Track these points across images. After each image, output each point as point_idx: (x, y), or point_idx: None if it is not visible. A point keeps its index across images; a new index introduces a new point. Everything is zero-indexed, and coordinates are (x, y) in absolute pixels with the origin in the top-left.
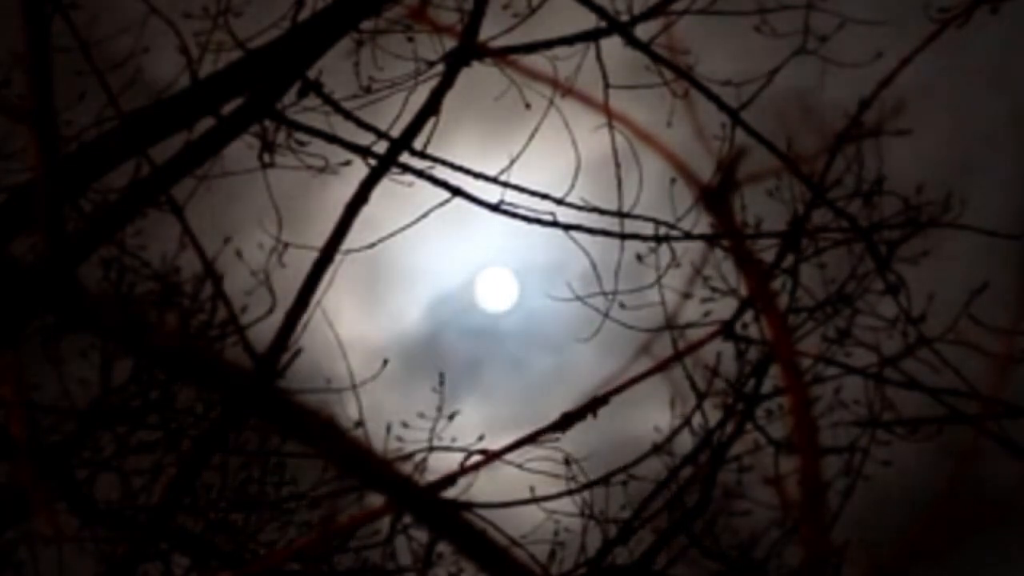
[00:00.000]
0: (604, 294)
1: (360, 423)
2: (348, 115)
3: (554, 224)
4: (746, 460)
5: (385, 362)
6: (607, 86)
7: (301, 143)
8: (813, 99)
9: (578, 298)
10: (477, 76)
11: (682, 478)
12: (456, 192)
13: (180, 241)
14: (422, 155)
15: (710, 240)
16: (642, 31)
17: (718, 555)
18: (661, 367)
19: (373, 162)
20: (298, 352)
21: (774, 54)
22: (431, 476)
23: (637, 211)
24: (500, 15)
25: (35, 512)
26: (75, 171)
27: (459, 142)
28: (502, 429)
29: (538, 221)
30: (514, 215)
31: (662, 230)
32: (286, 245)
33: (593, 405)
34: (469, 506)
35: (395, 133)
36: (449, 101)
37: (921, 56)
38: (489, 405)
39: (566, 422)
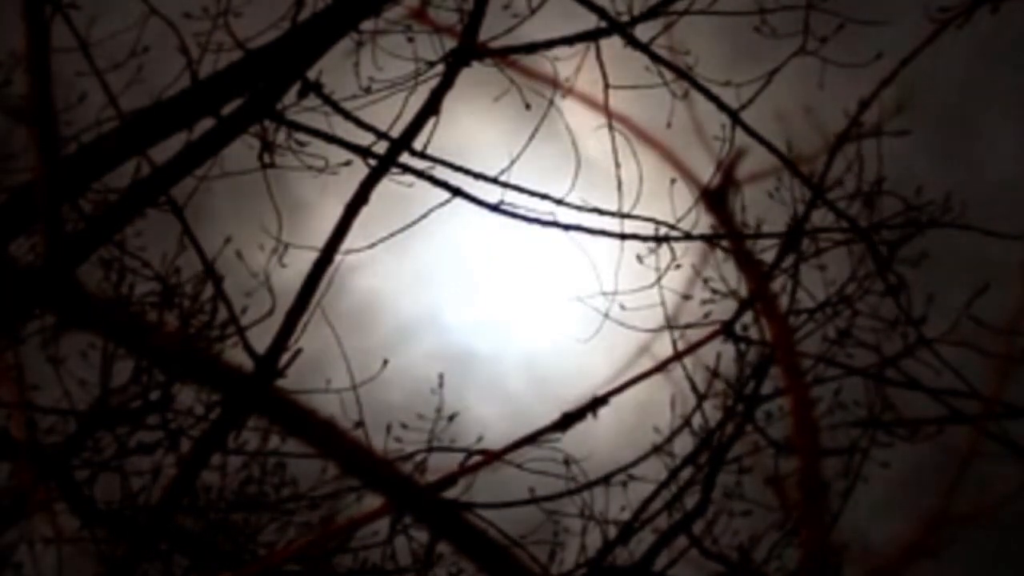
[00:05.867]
0: (604, 294)
1: (360, 423)
2: (348, 115)
3: (554, 224)
4: (746, 461)
5: (385, 362)
6: (607, 86)
7: (301, 143)
8: (813, 99)
9: (578, 298)
10: (477, 76)
11: (682, 479)
12: (456, 192)
13: (180, 241)
14: (422, 155)
15: (710, 240)
16: (642, 31)
17: (718, 556)
18: (661, 367)
19: (373, 162)
20: (298, 352)
21: (774, 54)
22: (431, 476)
23: (637, 211)
24: (500, 15)
25: (35, 512)
26: (75, 171)
27: (459, 142)
28: (502, 429)
29: (538, 221)
30: (514, 215)
31: (662, 230)
32: (286, 245)
33: (593, 405)
34: (469, 506)
35: (395, 133)
36: (449, 101)
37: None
38: (489, 405)
39: (566, 422)
